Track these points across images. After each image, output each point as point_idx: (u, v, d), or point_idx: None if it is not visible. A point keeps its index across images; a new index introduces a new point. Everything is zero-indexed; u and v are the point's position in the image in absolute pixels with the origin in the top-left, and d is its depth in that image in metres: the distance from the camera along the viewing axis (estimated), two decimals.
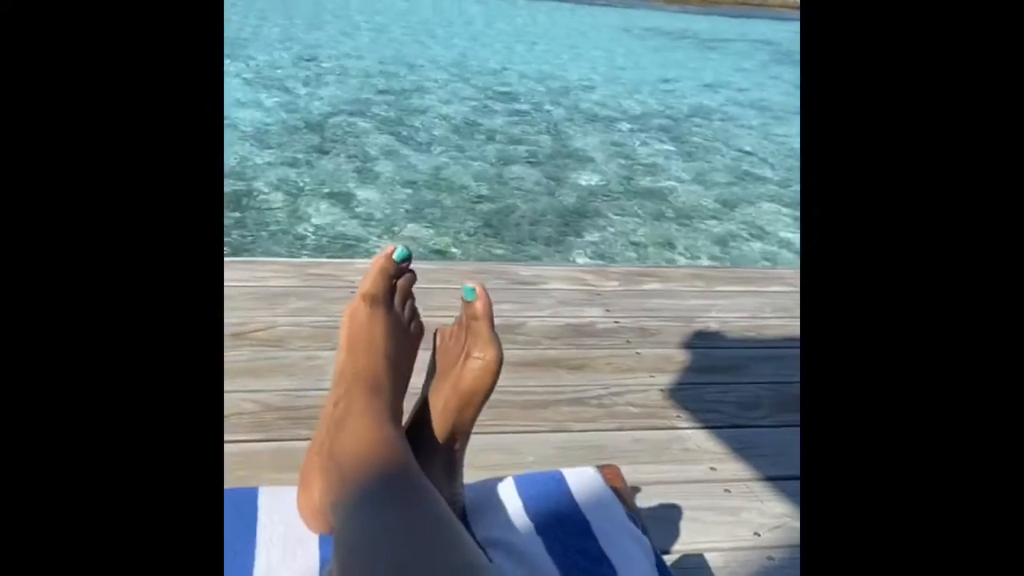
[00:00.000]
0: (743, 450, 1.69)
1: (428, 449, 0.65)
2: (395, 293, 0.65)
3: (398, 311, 0.65)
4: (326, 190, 4.56)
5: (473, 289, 0.61)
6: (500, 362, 0.61)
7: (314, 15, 12.66)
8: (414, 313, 0.66)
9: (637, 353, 2.05)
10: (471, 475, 1.56)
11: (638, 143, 6.32)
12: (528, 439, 1.67)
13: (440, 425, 0.65)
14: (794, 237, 4.47)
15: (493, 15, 15.76)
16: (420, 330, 0.67)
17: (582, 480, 0.87)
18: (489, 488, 0.84)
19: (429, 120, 6.53)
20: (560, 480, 0.86)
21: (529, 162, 5.51)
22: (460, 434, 0.66)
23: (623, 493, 0.93)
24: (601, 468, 1.00)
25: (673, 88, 8.99)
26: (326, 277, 2.29)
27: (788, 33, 17.26)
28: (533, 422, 1.73)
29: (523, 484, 0.84)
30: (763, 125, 7.42)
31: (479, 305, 0.60)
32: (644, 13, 19.22)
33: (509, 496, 0.83)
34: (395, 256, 0.63)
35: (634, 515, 0.86)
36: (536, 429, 1.71)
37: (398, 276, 0.64)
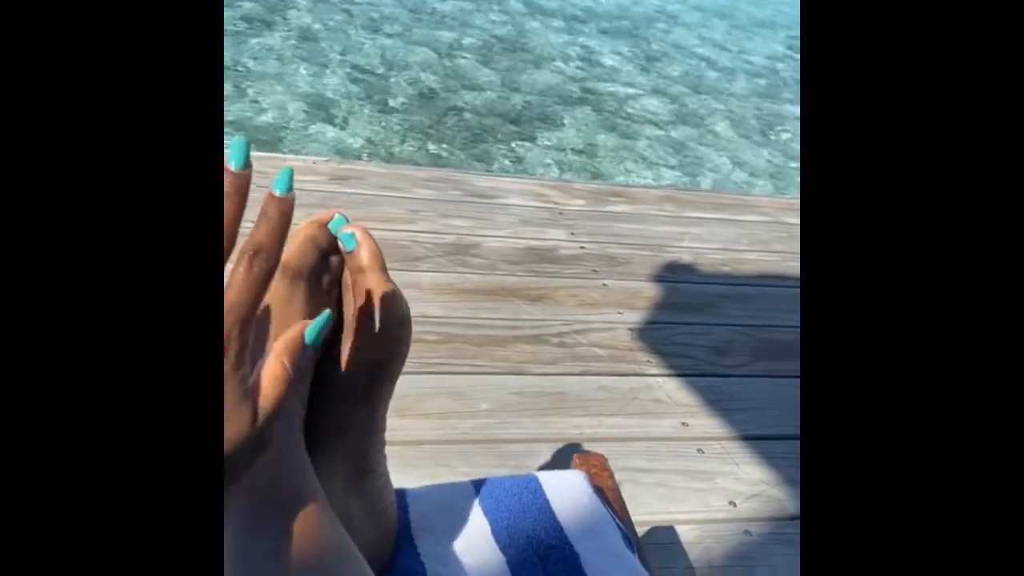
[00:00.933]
0: (716, 403, 1.54)
1: (331, 446, 0.46)
2: (325, 272, 0.45)
3: (323, 293, 0.46)
4: (255, 69, 4.10)
5: (352, 235, 0.43)
6: (409, 326, 0.46)
7: None
8: (339, 302, 0.47)
9: (604, 285, 1.85)
10: (418, 423, 1.38)
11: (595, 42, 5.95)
12: (482, 382, 1.47)
13: (343, 414, 0.47)
14: (750, 157, 4.30)
15: None
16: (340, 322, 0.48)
17: (564, 489, 0.67)
18: (443, 497, 0.65)
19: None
20: (536, 490, 0.66)
21: (481, 56, 5.11)
22: (371, 420, 0.48)
23: (613, 499, 0.74)
24: (584, 460, 0.80)
25: None
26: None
27: None
28: (488, 361, 1.53)
29: (488, 495, 0.64)
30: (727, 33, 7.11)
31: (364, 254, 0.43)
32: None
33: (470, 510, 0.63)
34: (331, 225, 0.42)
35: (628, 534, 0.68)
36: (491, 370, 1.51)
37: (331, 250, 0.44)
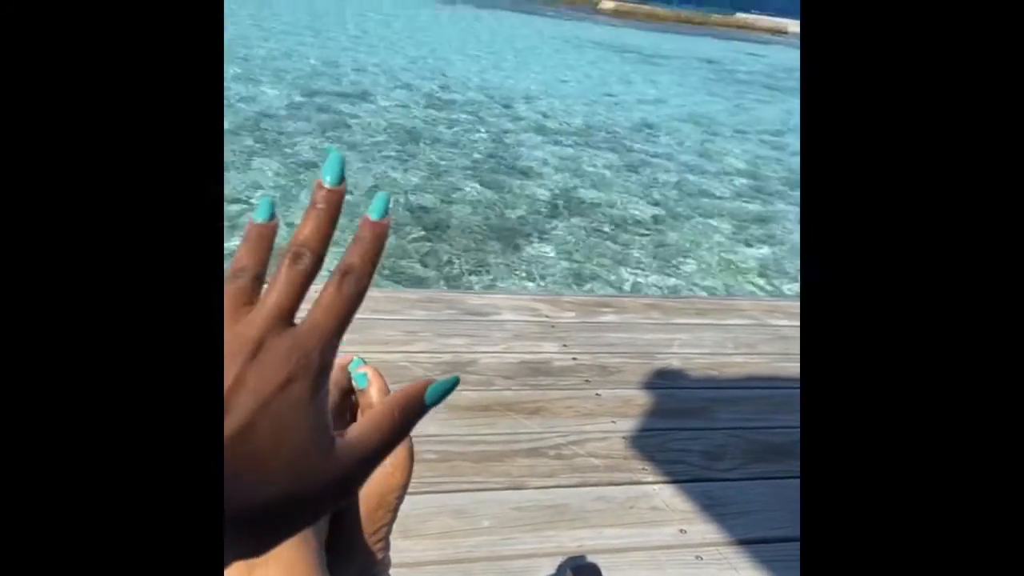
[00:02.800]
0: (712, 507, 1.57)
1: (335, 572, 0.51)
2: (347, 409, 0.52)
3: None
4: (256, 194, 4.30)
5: (364, 375, 0.47)
6: (411, 456, 0.49)
7: (258, 18, 12.27)
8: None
9: (597, 395, 1.91)
10: (421, 544, 1.41)
11: (581, 154, 6.25)
12: (483, 498, 1.51)
13: (348, 534, 0.51)
14: (735, 255, 4.45)
15: (443, 22, 15.61)
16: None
17: None
18: None
19: (370, 126, 6.30)
20: None
21: (470, 171, 5.36)
22: (375, 542, 0.52)
23: None
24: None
25: (617, 101, 8.98)
26: None
27: (726, 52, 17.66)
28: (487, 477, 1.57)
29: None
30: (702, 140, 7.47)
31: (374, 392, 0.47)
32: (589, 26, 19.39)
33: None
34: (350, 367, 0.49)
35: None
36: (491, 486, 1.55)
37: (351, 389, 0.52)
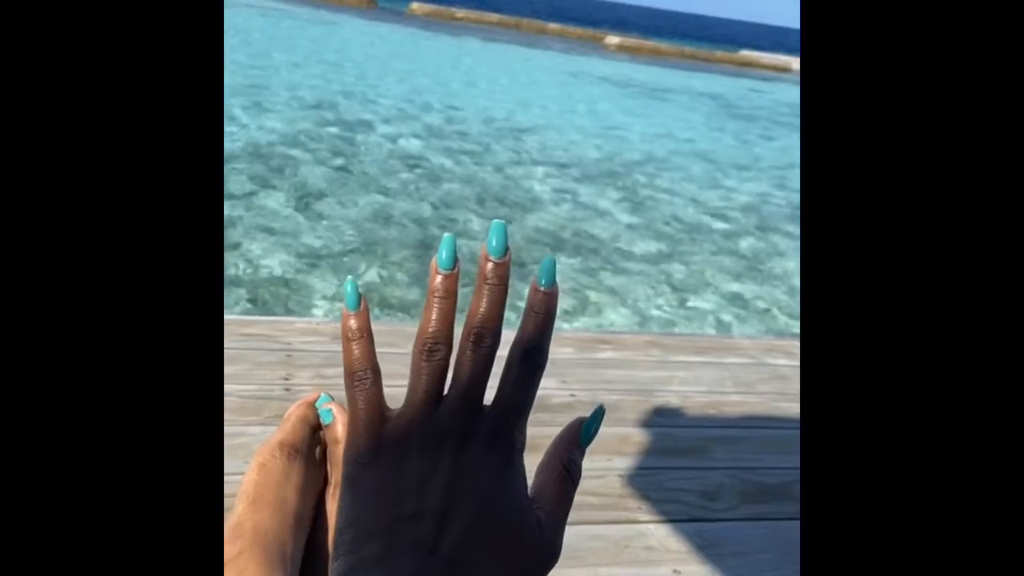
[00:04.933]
0: (708, 548, 1.57)
1: None
2: (316, 445, 0.53)
3: (317, 466, 0.53)
4: (263, 226, 4.35)
5: (330, 411, 0.46)
6: None
7: (265, 49, 12.48)
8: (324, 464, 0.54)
9: None
10: None
11: (584, 188, 6.31)
12: None
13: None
14: (738, 290, 4.47)
15: (451, 54, 15.85)
16: (325, 483, 0.54)
17: None
18: None
19: (376, 157, 6.38)
20: None
21: (476, 204, 5.42)
22: None
23: None
24: None
25: (622, 135, 9.09)
26: (259, 338, 2.10)
27: (731, 88, 17.86)
28: None
29: None
30: (706, 175, 7.54)
31: (339, 427, 0.47)
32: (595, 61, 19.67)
33: None
34: (317, 403, 0.51)
35: None
36: None
37: (319, 426, 0.52)
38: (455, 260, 0.29)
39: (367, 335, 0.30)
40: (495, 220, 0.28)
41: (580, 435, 0.32)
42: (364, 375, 0.30)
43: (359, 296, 0.30)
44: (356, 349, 0.30)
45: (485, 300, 0.29)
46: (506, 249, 0.28)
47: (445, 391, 0.30)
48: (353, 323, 0.30)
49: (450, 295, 0.29)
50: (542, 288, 0.29)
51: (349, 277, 0.31)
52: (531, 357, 0.29)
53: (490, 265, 0.28)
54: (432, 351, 0.29)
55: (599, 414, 0.32)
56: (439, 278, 0.29)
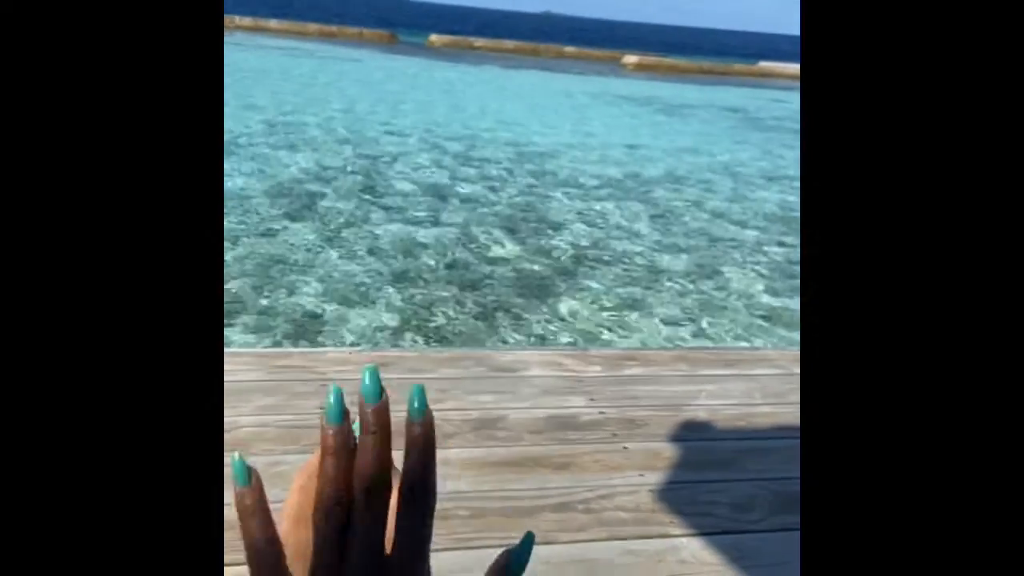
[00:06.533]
0: (741, 560, 1.58)
1: None
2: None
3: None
4: (295, 260, 4.46)
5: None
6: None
7: (280, 85, 12.78)
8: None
9: (624, 448, 1.95)
10: None
11: (606, 205, 6.35)
12: None
13: None
14: (768, 299, 4.45)
15: (468, 81, 16.06)
16: None
17: None
18: None
19: (399, 184, 6.50)
20: None
21: (502, 225, 5.48)
22: None
23: None
24: None
25: (642, 152, 9.13)
26: (295, 369, 2.17)
27: (751, 100, 17.81)
28: (518, 532, 1.60)
29: None
30: (733, 188, 7.53)
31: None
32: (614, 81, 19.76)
33: None
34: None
35: None
36: None
37: (354, 448, 0.53)
38: (343, 412, 0.28)
39: (264, 507, 0.30)
40: (366, 365, 0.28)
41: (511, 566, 0.31)
42: (266, 550, 0.29)
43: (249, 470, 0.29)
44: (253, 524, 0.29)
45: (371, 452, 0.29)
46: (381, 391, 0.28)
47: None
48: (248, 500, 0.29)
49: (341, 450, 0.29)
50: (416, 422, 0.29)
51: (235, 453, 0.30)
52: (418, 497, 0.29)
53: (368, 413, 0.28)
54: (327, 514, 0.29)
55: (528, 541, 0.32)
56: (328, 435, 0.29)
